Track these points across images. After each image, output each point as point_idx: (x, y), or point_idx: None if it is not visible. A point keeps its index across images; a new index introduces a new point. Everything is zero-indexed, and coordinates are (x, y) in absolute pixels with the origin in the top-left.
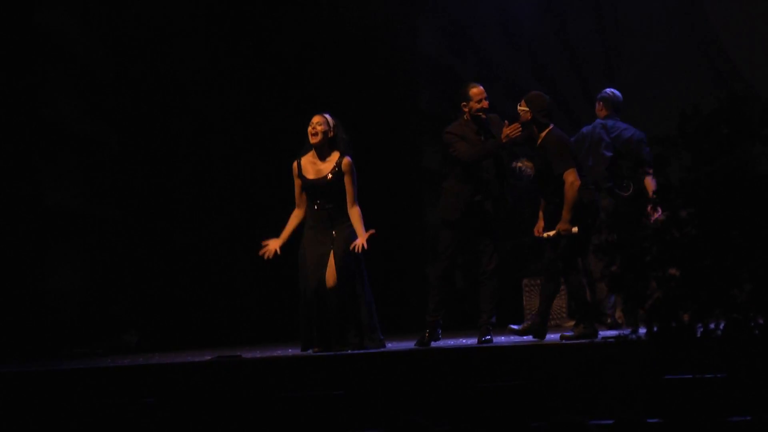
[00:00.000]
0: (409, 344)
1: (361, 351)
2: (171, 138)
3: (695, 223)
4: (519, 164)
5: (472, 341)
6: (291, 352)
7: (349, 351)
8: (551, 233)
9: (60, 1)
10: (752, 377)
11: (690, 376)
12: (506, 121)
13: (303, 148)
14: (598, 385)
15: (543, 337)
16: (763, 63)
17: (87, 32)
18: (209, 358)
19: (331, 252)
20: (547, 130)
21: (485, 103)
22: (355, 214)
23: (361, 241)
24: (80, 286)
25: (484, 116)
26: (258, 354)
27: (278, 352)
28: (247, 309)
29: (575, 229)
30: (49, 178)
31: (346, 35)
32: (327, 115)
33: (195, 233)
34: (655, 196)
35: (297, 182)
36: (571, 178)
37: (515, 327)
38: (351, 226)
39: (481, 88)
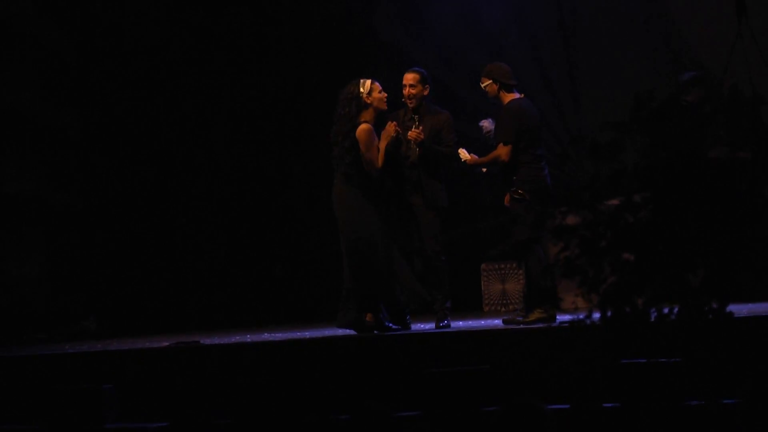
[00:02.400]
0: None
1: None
2: (130, 125)
3: (649, 207)
4: (483, 122)
5: (429, 326)
6: (249, 338)
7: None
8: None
9: None
10: (706, 362)
11: (645, 361)
12: (416, 126)
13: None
14: (554, 370)
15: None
16: (719, 46)
17: (47, 17)
18: (167, 344)
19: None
20: (510, 97)
21: (408, 90)
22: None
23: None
24: (39, 272)
25: (409, 103)
26: (216, 340)
27: (236, 338)
28: (207, 295)
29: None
30: (7, 165)
31: (305, 25)
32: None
33: (152, 220)
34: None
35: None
36: (500, 152)
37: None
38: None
39: (407, 74)
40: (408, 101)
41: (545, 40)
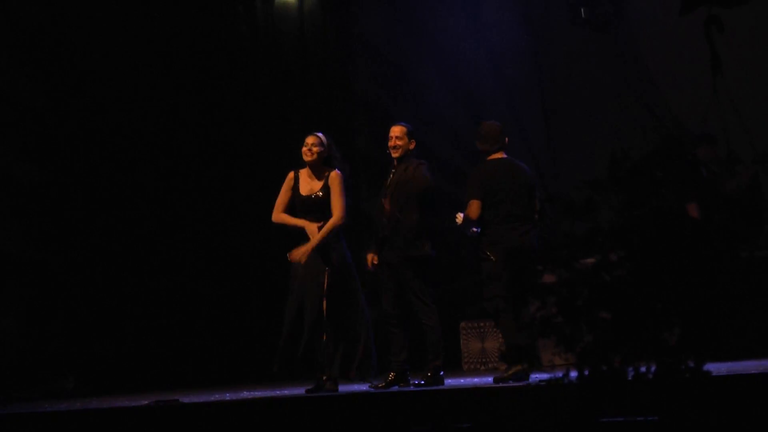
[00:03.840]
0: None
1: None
2: (106, 179)
3: (626, 266)
4: (458, 214)
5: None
6: (228, 396)
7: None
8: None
9: None
10: (683, 420)
11: (622, 420)
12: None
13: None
14: (532, 428)
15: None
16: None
17: (19, 70)
18: (147, 402)
19: (325, 274)
20: (490, 158)
21: (394, 142)
22: (330, 222)
23: (302, 249)
24: (16, 329)
25: (393, 153)
26: (196, 398)
27: (215, 396)
28: (185, 352)
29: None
30: None
31: (285, 75)
32: (320, 135)
33: (130, 278)
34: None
35: (286, 193)
36: (469, 209)
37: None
38: (340, 249)
39: (394, 127)
40: (393, 152)
41: (524, 100)
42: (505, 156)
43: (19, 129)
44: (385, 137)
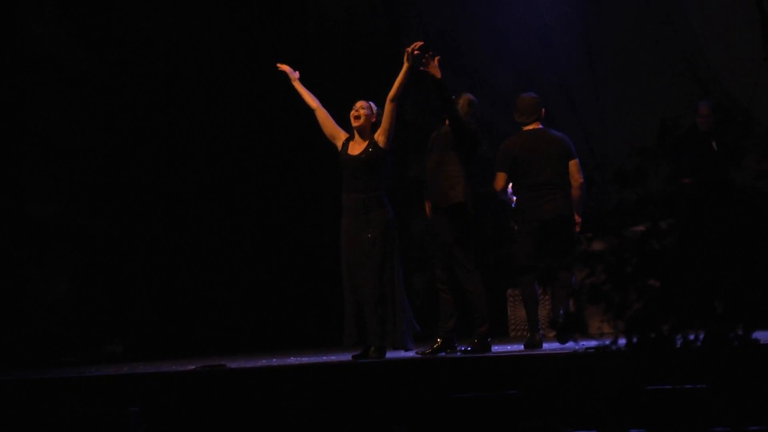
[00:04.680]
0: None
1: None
2: (158, 148)
3: (675, 234)
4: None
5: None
6: (275, 362)
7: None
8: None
9: (45, 11)
10: (731, 388)
11: (670, 387)
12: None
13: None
14: (580, 396)
15: (539, 346)
16: (744, 73)
17: (74, 39)
18: (194, 367)
19: (368, 243)
20: (523, 128)
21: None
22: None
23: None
24: (66, 296)
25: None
26: (242, 363)
27: (262, 362)
28: (232, 318)
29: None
30: (32, 187)
31: (331, 44)
32: (371, 102)
33: (179, 243)
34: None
35: (335, 129)
36: (495, 180)
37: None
38: (386, 214)
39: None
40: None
41: (571, 65)
42: (539, 127)
43: (75, 96)
44: (432, 105)
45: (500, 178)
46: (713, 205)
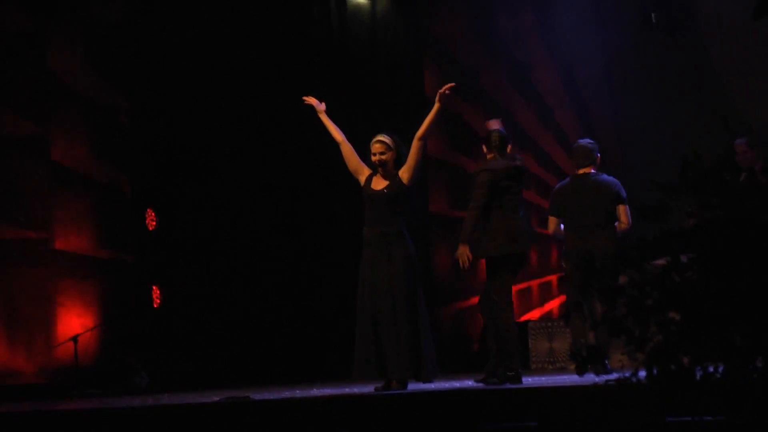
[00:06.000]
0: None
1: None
2: (182, 178)
3: (696, 268)
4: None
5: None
6: (298, 393)
7: (393, 391)
8: None
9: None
10: (751, 421)
11: (690, 419)
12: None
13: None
14: (600, 427)
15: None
16: (762, 100)
17: (98, 72)
18: (218, 399)
19: (390, 277)
20: (577, 172)
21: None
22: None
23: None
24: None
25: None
26: (266, 395)
27: (286, 394)
28: (256, 350)
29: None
30: (59, 220)
31: (353, 80)
32: (385, 138)
33: (201, 274)
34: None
35: (359, 164)
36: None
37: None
38: (407, 249)
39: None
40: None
41: (594, 103)
42: (590, 171)
43: (100, 129)
44: (458, 140)
45: (551, 221)
46: (733, 240)
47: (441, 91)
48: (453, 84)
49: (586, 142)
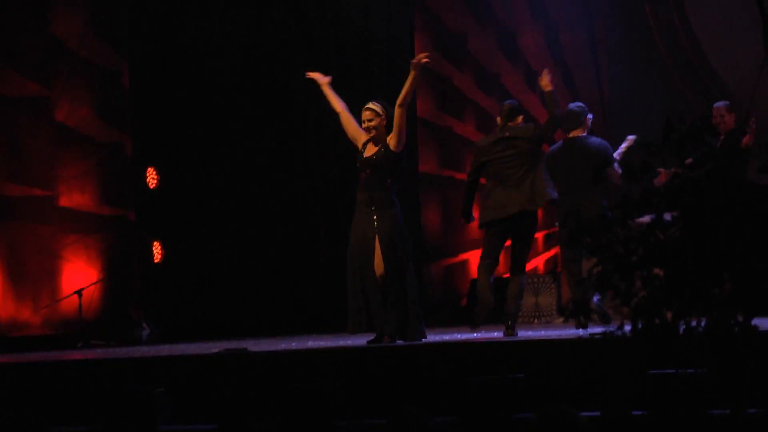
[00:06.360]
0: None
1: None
2: (182, 138)
3: (679, 225)
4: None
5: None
6: (295, 345)
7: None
8: None
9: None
10: (731, 373)
11: (673, 371)
12: None
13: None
14: (586, 379)
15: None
16: (740, 66)
17: (102, 36)
18: (216, 350)
19: (376, 238)
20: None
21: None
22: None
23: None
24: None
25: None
26: (263, 347)
27: (282, 345)
28: (253, 302)
29: None
30: (64, 178)
31: (347, 37)
32: (374, 105)
33: (201, 229)
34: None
35: (356, 130)
36: None
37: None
38: (394, 214)
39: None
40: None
41: (579, 68)
42: (579, 135)
43: (103, 92)
44: (447, 102)
45: None
46: (714, 198)
47: (415, 60)
48: (427, 53)
49: (574, 105)
